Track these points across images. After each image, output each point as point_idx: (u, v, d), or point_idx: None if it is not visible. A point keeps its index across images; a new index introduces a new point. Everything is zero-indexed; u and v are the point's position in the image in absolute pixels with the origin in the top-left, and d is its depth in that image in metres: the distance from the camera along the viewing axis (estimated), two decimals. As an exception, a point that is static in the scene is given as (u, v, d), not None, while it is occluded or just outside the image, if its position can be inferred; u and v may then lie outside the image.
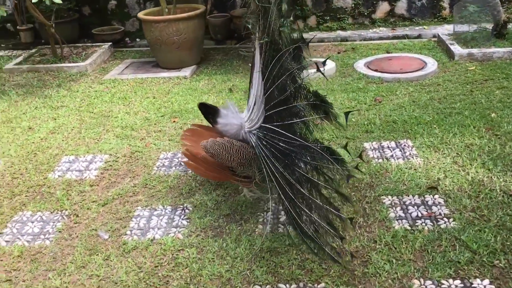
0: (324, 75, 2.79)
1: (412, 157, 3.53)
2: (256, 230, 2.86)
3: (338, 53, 6.22)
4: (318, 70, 2.74)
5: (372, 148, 3.71)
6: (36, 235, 2.95)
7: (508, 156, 3.44)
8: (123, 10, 7.59)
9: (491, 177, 3.21)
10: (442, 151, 3.58)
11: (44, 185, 3.48)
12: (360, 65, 5.49)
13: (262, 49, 2.75)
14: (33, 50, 6.66)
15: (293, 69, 2.73)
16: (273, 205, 2.88)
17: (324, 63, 2.81)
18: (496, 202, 2.95)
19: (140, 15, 5.73)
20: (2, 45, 7.56)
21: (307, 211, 2.49)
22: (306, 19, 7.31)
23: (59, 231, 2.96)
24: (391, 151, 3.64)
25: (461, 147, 3.61)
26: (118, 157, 3.80)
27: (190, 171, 3.49)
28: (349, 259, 2.50)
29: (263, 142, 2.77)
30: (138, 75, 5.63)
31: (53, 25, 6.02)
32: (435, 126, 3.96)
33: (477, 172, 3.28)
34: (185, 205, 3.13)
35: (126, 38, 7.44)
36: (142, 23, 5.79)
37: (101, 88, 5.29)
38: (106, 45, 6.67)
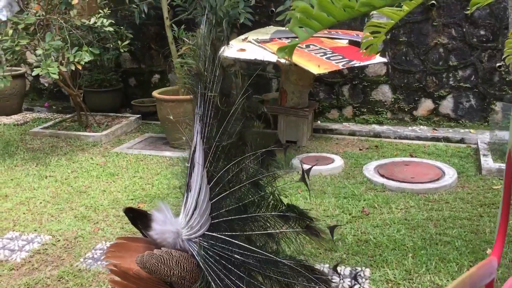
0: (307, 185, 2.42)
1: (359, 293, 2.96)
2: None
3: (360, 149, 5.76)
4: (303, 179, 2.41)
5: (322, 272, 3.19)
6: None
7: (478, 311, 2.76)
8: (165, 84, 7.79)
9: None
10: (400, 289, 2.98)
11: (-30, 261, 3.40)
12: (370, 168, 4.98)
13: (210, 148, 2.50)
14: (68, 116, 6.96)
15: (258, 177, 2.45)
16: None
17: (308, 172, 2.45)
18: None
19: (154, 93, 5.78)
20: (53, 106, 8.05)
21: None
22: (342, 109, 6.96)
23: None
24: (336, 280, 3.09)
25: (427, 288, 2.98)
26: (58, 240, 3.64)
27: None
28: None
29: (209, 252, 2.45)
30: (143, 151, 5.58)
31: (81, 94, 6.28)
32: (410, 255, 3.35)
33: (426, 327, 2.65)
34: (77, 310, 2.84)
35: (162, 111, 7.57)
36: (156, 101, 5.82)
37: (100, 161, 5.29)
38: (133, 117, 6.80)
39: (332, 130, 6.55)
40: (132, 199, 4.31)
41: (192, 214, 2.54)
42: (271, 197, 2.45)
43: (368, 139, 6.19)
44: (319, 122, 6.85)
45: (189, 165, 2.67)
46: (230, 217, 2.46)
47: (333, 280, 2.89)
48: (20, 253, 3.48)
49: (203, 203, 2.49)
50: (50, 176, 4.88)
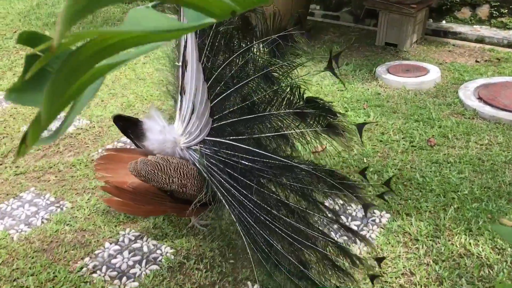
0: (336, 75, 1.91)
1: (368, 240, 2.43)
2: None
3: (477, 61, 4.67)
4: (329, 67, 1.91)
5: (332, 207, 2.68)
6: None
7: None
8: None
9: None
10: (416, 246, 2.37)
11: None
12: (471, 87, 4.00)
13: (205, 37, 2.14)
14: None
15: (270, 68, 2.10)
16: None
17: (337, 58, 1.91)
18: None
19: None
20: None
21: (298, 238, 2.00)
22: (475, 7, 5.65)
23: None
24: (351, 221, 2.57)
25: (454, 253, 2.32)
26: (93, 127, 3.63)
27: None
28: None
29: (212, 160, 2.22)
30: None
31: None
32: (456, 206, 2.63)
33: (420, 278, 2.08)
34: (64, 202, 2.81)
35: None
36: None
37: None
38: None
39: (455, 33, 5.40)
40: (183, 93, 4.10)
41: (190, 118, 2.23)
42: (287, 91, 2.06)
43: (496, 48, 4.98)
44: (443, 22, 5.70)
45: (180, 64, 2.30)
46: (235, 119, 2.15)
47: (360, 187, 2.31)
48: (54, 134, 3.57)
49: (201, 105, 2.16)
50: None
